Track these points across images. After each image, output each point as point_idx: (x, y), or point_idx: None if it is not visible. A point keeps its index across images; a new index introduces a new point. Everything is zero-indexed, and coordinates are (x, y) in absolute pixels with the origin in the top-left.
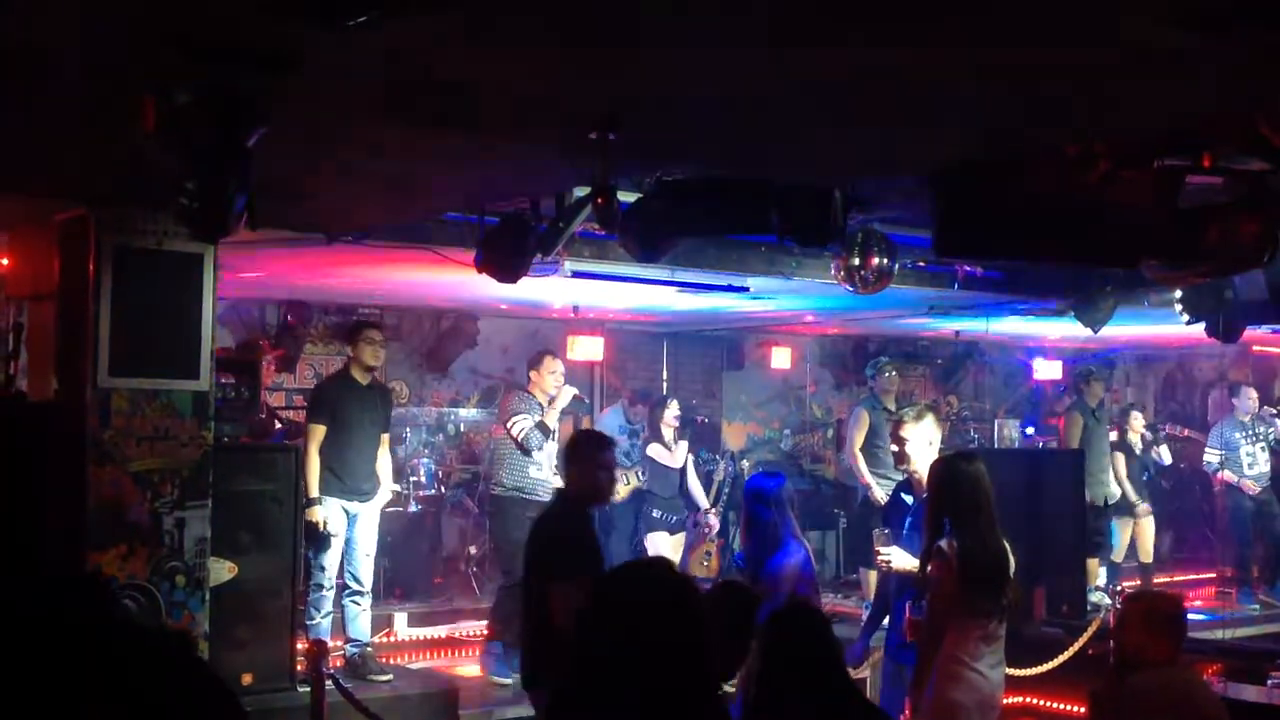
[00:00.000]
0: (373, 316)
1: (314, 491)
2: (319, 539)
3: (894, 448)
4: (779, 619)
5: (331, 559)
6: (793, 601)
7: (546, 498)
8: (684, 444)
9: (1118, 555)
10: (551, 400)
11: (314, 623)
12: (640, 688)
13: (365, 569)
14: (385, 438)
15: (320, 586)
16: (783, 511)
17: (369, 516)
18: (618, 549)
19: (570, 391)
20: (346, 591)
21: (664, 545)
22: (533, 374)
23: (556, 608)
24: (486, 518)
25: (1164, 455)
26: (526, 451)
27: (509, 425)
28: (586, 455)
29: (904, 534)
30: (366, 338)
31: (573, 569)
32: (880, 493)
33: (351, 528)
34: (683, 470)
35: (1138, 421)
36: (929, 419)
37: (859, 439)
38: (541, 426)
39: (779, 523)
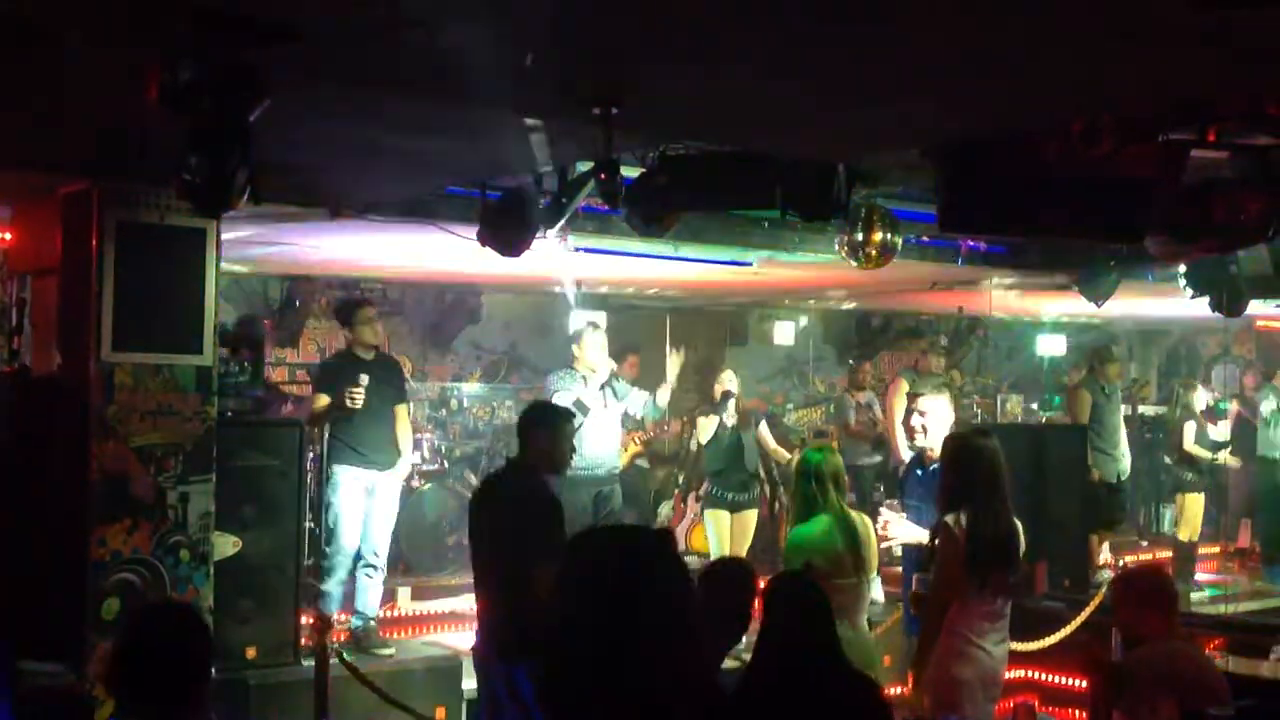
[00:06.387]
0: (374, 291)
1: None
2: (341, 509)
3: (914, 418)
4: (770, 586)
5: (349, 528)
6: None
7: (603, 473)
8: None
9: (1183, 533)
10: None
11: (326, 589)
12: (628, 659)
13: (382, 542)
14: (401, 409)
15: (335, 554)
16: (821, 485)
17: (388, 488)
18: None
19: (609, 364)
20: (362, 563)
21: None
22: (575, 349)
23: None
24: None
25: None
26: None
27: None
28: (552, 424)
29: (914, 507)
30: (362, 318)
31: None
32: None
33: (370, 499)
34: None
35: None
36: (946, 396)
37: (899, 407)
38: (578, 404)
39: (812, 495)
